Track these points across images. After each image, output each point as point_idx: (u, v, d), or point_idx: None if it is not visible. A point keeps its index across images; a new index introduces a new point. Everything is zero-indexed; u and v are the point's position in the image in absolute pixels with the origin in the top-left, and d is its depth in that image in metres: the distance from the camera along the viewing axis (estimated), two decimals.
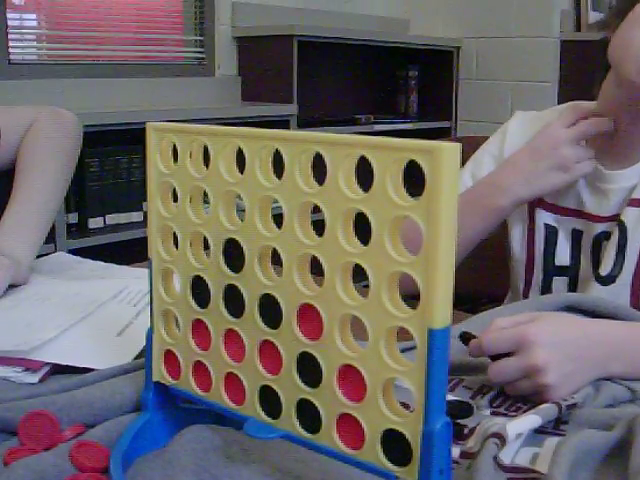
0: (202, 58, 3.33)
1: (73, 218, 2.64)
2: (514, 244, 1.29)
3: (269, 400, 0.63)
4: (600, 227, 1.19)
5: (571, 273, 1.23)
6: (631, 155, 1.17)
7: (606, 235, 1.18)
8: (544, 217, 1.24)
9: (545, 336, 0.83)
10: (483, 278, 1.56)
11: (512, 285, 1.33)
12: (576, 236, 1.22)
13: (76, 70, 2.91)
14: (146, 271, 0.71)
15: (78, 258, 1.37)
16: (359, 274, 0.57)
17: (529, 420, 0.75)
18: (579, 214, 1.22)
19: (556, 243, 1.23)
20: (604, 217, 1.19)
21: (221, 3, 3.29)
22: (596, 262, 1.19)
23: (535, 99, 3.55)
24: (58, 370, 0.87)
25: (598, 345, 0.86)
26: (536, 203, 1.25)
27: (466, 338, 0.89)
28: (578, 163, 1.18)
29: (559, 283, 1.24)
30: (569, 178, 1.18)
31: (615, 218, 1.17)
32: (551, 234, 1.24)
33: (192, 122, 0.67)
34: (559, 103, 1.38)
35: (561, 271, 1.24)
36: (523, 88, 3.65)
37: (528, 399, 0.83)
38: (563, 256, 1.23)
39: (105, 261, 1.34)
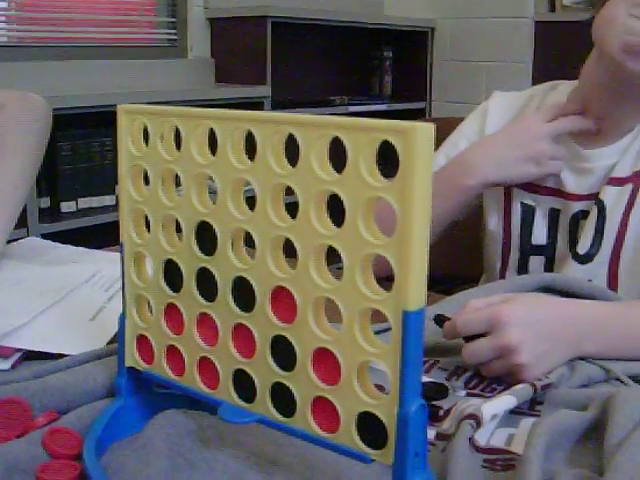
0: (175, 40, 3.30)
1: (45, 202, 2.62)
2: (490, 223, 1.28)
3: (243, 384, 0.62)
4: (578, 206, 1.19)
5: (548, 252, 1.23)
6: (611, 134, 1.17)
7: (584, 214, 1.18)
8: (521, 196, 1.24)
9: (518, 316, 0.83)
10: (457, 259, 1.56)
11: (488, 265, 1.33)
12: (553, 215, 1.22)
13: (47, 52, 2.87)
14: (119, 255, 0.70)
15: (50, 243, 1.36)
16: (333, 256, 0.57)
17: (504, 401, 0.75)
18: (558, 193, 1.21)
19: (533, 222, 1.23)
20: (582, 195, 1.19)
21: None
22: (573, 241, 1.19)
23: (509, 80, 3.56)
24: (30, 356, 0.86)
25: (572, 325, 0.87)
26: None
27: (440, 320, 0.89)
28: (551, 160, 1.18)
29: (536, 262, 1.24)
30: (538, 173, 1.19)
31: (593, 197, 1.17)
32: (528, 213, 1.24)
33: (165, 104, 0.66)
34: (534, 84, 1.38)
35: (538, 250, 1.24)
36: (497, 69, 3.66)
37: (503, 380, 0.83)
38: (540, 235, 1.23)
39: (78, 245, 1.33)
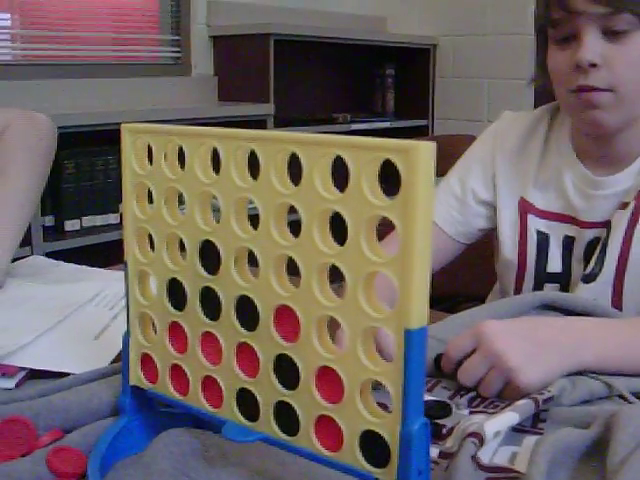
0: (178, 57, 3.32)
1: (49, 221, 2.62)
2: (505, 251, 1.26)
3: (247, 403, 0.62)
4: (592, 233, 1.18)
5: (562, 280, 1.21)
6: (622, 158, 1.16)
7: (598, 241, 1.17)
8: (536, 223, 1.23)
9: (500, 326, 0.87)
10: (460, 277, 1.56)
11: (502, 290, 1.31)
12: (567, 243, 1.21)
13: (51, 71, 2.89)
14: (123, 273, 0.71)
15: (54, 261, 1.36)
16: (337, 274, 0.57)
17: (506, 418, 0.75)
18: (571, 220, 1.20)
19: (548, 250, 1.22)
20: (596, 223, 1.17)
21: (197, 2, 3.28)
22: (587, 267, 1.18)
23: (512, 97, 3.56)
24: (34, 375, 0.86)
25: (564, 333, 0.88)
26: (527, 209, 1.23)
27: (440, 360, 0.90)
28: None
29: (550, 290, 1.22)
30: None
31: (607, 224, 1.16)
32: (542, 241, 1.22)
33: (168, 122, 0.67)
34: (536, 100, 1.38)
35: (552, 278, 1.22)
36: (499, 85, 3.66)
37: (504, 399, 0.84)
38: (555, 263, 1.22)
39: (82, 264, 1.33)
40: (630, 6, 1.03)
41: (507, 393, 0.84)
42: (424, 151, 0.50)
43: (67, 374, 0.84)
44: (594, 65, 1.05)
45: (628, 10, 1.03)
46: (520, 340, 0.85)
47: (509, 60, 3.61)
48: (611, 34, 1.05)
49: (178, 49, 3.31)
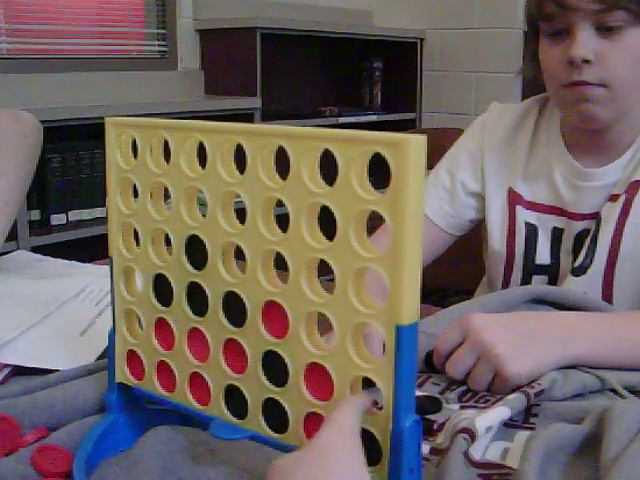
0: (164, 51, 3.30)
1: (35, 215, 2.60)
2: (493, 242, 1.26)
3: (235, 400, 0.61)
4: (581, 225, 1.18)
5: (551, 272, 1.21)
6: (611, 150, 1.16)
7: (587, 233, 1.17)
8: (525, 215, 1.22)
9: (486, 317, 0.87)
10: (449, 270, 1.55)
11: (489, 281, 1.31)
12: (556, 234, 1.21)
13: (36, 65, 2.86)
14: (109, 268, 0.69)
15: (39, 256, 1.35)
16: (324, 268, 0.56)
17: (498, 412, 0.74)
18: (560, 212, 1.20)
19: (536, 242, 1.22)
20: (585, 214, 1.17)
21: None
22: (575, 259, 1.18)
23: (499, 90, 3.56)
24: (19, 371, 0.85)
25: (554, 325, 0.88)
26: (516, 201, 1.23)
27: (431, 358, 0.90)
28: None
29: (538, 282, 1.22)
30: None
31: (595, 216, 1.16)
32: (531, 233, 1.22)
33: (155, 116, 0.66)
34: (523, 94, 1.38)
35: (541, 270, 1.22)
36: (487, 79, 3.66)
37: (495, 391, 0.83)
38: (543, 255, 1.22)
39: (69, 258, 1.32)
40: (624, 3, 1.02)
41: (496, 385, 0.83)
42: (415, 145, 0.49)
43: (52, 371, 0.83)
44: (587, 61, 1.05)
45: (622, 6, 1.02)
46: (508, 330, 0.85)
47: (496, 54, 3.60)
48: (604, 30, 1.04)
49: (164, 43, 3.29)
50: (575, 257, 1.17)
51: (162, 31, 3.28)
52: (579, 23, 1.05)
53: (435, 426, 0.75)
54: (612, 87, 1.06)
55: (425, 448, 0.71)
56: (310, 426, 0.57)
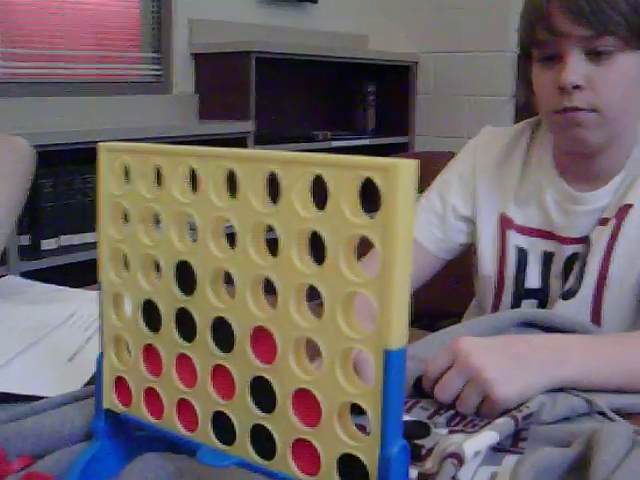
0: (159, 75, 3.31)
1: (25, 240, 2.59)
2: (484, 266, 1.26)
3: (223, 426, 0.61)
4: (571, 249, 1.18)
5: (540, 296, 1.21)
6: (602, 174, 1.17)
7: (577, 257, 1.17)
8: (515, 239, 1.22)
9: (476, 341, 0.87)
10: (439, 295, 1.55)
11: (479, 305, 1.31)
12: (546, 258, 1.21)
13: (30, 88, 2.87)
14: (98, 293, 0.69)
15: (28, 281, 1.34)
16: (314, 291, 0.56)
17: (486, 437, 0.74)
18: (550, 236, 1.20)
19: (526, 266, 1.22)
20: (575, 238, 1.17)
21: (178, 20, 3.27)
22: (565, 283, 1.18)
23: (492, 113, 3.58)
24: (6, 398, 0.85)
25: (544, 349, 0.88)
26: (508, 225, 1.23)
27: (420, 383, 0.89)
28: None
29: (528, 306, 1.22)
30: None
31: (585, 240, 1.16)
32: (522, 257, 1.22)
33: (149, 141, 0.66)
34: (516, 117, 1.39)
35: (531, 294, 1.22)
36: (480, 102, 3.68)
37: (483, 414, 0.83)
38: (533, 279, 1.22)
39: (59, 283, 1.32)
40: (613, 28, 1.03)
41: (485, 409, 0.83)
42: (405, 170, 0.49)
43: (40, 397, 0.82)
44: (578, 87, 1.05)
45: (611, 32, 1.03)
46: (497, 354, 0.85)
47: (489, 77, 3.63)
48: (595, 55, 1.05)
49: (159, 67, 3.30)
50: (565, 281, 1.17)
51: (157, 55, 3.30)
52: (569, 49, 1.05)
53: (423, 451, 0.75)
54: (603, 112, 1.07)
55: (413, 473, 0.70)
56: (298, 452, 0.57)
